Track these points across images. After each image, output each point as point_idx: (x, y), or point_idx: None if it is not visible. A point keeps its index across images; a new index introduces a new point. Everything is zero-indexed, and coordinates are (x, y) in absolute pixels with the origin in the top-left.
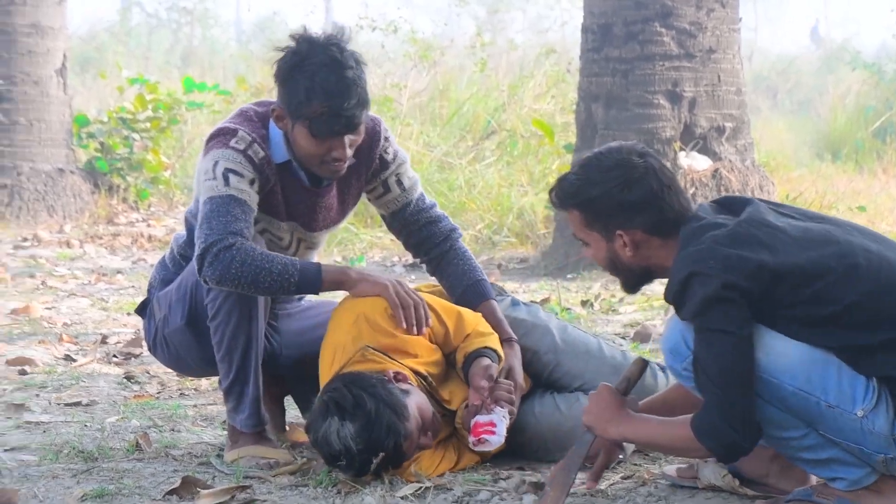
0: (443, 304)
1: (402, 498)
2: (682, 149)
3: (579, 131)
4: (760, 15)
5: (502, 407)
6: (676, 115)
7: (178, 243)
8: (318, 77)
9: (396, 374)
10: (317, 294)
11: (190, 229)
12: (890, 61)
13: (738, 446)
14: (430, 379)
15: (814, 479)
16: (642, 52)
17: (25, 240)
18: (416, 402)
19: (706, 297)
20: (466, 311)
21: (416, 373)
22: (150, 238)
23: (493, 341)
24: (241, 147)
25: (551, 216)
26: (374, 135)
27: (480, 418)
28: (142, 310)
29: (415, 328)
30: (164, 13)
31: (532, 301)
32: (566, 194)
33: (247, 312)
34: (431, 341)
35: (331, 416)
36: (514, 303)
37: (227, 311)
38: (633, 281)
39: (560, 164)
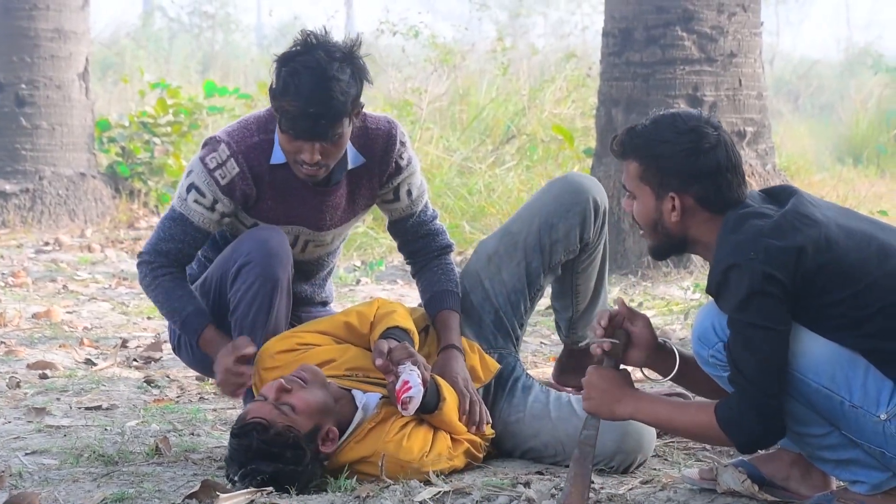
0: (334, 316)
1: (420, 502)
2: None
3: (599, 136)
4: (782, 19)
5: (404, 364)
6: None
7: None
8: (299, 76)
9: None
10: (193, 341)
11: None
12: None
13: (760, 441)
14: (356, 373)
15: (835, 485)
16: (663, 57)
17: (47, 244)
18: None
19: (747, 290)
20: (362, 304)
21: (337, 376)
22: None
23: (396, 319)
24: (213, 165)
25: None
26: (389, 138)
27: (396, 387)
28: None
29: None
30: (185, 18)
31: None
32: (633, 144)
33: (266, 306)
34: (341, 343)
35: (237, 487)
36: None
37: (248, 304)
38: (665, 247)
39: (580, 168)
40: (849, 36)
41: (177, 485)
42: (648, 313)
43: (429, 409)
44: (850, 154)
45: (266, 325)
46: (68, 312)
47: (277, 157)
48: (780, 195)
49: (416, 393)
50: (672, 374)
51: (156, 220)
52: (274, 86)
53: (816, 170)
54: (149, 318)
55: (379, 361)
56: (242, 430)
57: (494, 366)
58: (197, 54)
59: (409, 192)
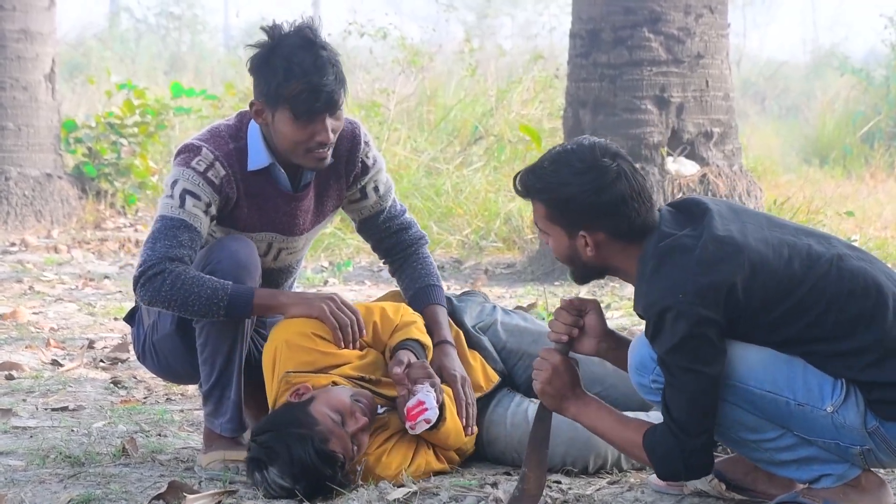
0: (367, 306)
1: (392, 501)
2: (669, 154)
3: (567, 137)
4: (749, 20)
5: (423, 383)
6: (664, 120)
7: None
8: (295, 57)
9: (295, 391)
10: (248, 318)
11: None
12: (878, 66)
13: (681, 476)
14: (366, 377)
15: (800, 486)
16: (630, 58)
17: (13, 245)
18: (323, 401)
19: (682, 334)
20: (389, 305)
21: (347, 377)
22: (137, 243)
23: (415, 331)
24: (202, 168)
25: None
26: (354, 138)
27: (409, 403)
28: (130, 318)
29: (351, 344)
30: (152, 19)
31: (518, 306)
32: (534, 188)
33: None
34: (361, 346)
35: (254, 473)
36: (505, 312)
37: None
38: (586, 275)
39: None
40: (815, 37)
41: (143, 486)
42: (616, 314)
43: (430, 427)
44: (817, 155)
45: (234, 336)
46: (34, 313)
47: (254, 163)
48: (692, 211)
49: (432, 416)
50: None
51: (122, 221)
52: (271, 80)
53: (783, 171)
54: (115, 318)
55: (397, 371)
56: (323, 458)
57: (495, 377)
58: (164, 55)
59: (377, 189)
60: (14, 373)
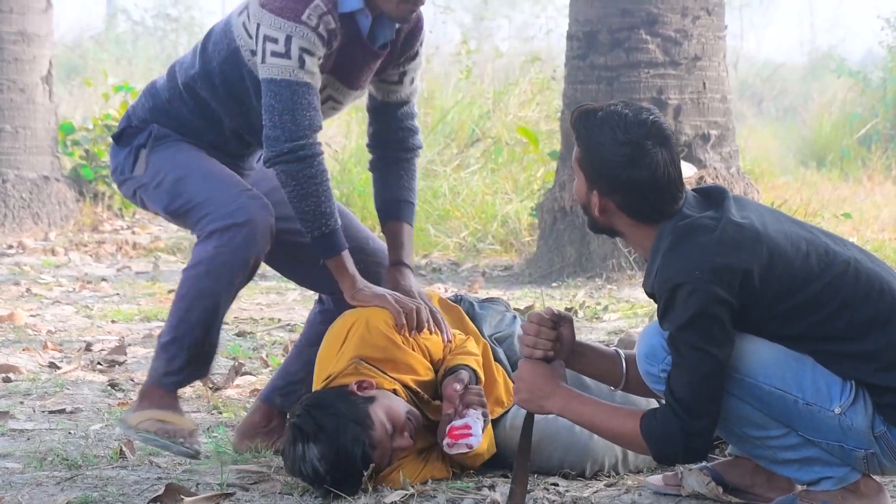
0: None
1: None
2: None
3: (564, 139)
4: (746, 22)
5: (475, 409)
6: None
7: (185, 71)
8: None
9: (359, 382)
10: (321, 259)
11: (196, 53)
12: (876, 68)
13: (679, 458)
14: (421, 393)
15: (798, 488)
16: (627, 60)
17: (10, 247)
18: (383, 406)
19: (693, 310)
20: (457, 332)
21: (406, 387)
22: (134, 246)
23: (473, 362)
24: (314, 23)
25: (535, 224)
26: (419, 21)
27: (455, 423)
28: (118, 136)
29: (415, 330)
30: (149, 21)
31: (516, 309)
32: (577, 129)
33: (228, 280)
34: (429, 360)
35: (296, 443)
36: (515, 318)
37: (211, 269)
38: (595, 229)
39: (545, 171)
40: (812, 39)
41: (141, 488)
42: (613, 316)
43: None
44: (814, 157)
45: (218, 298)
46: (32, 316)
47: (345, 6)
48: (715, 197)
49: (475, 443)
50: (622, 384)
51: (120, 224)
52: None
53: (780, 173)
54: (113, 321)
55: (456, 386)
56: (365, 461)
57: None
58: (161, 57)
59: (412, 80)
60: (11, 375)
